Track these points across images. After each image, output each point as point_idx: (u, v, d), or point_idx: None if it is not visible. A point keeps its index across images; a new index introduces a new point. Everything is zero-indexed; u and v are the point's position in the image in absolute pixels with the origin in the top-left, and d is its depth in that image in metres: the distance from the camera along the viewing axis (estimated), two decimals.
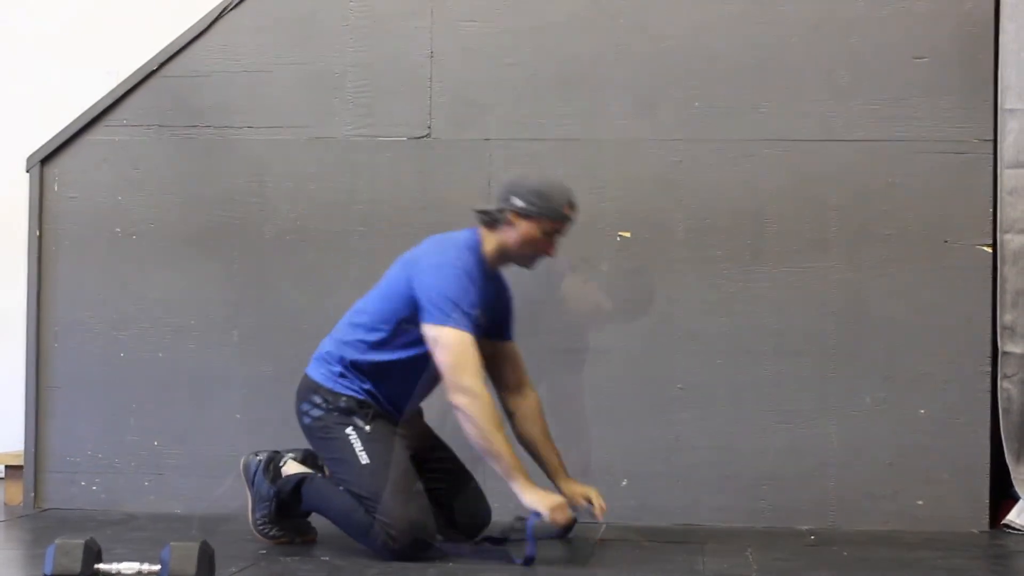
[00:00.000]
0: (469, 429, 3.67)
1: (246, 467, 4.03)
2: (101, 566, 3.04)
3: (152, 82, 4.63)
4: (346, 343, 3.89)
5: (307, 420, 3.90)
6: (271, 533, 3.96)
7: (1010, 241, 4.40)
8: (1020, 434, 4.42)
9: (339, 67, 4.59)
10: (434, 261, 3.79)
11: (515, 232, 3.83)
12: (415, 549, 3.68)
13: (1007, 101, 4.39)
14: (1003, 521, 4.38)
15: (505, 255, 3.89)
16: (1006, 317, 4.40)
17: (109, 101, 4.63)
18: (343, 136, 4.59)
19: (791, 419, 4.44)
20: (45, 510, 4.57)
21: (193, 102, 4.62)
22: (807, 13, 4.47)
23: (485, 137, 4.55)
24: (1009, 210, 4.39)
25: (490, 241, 3.87)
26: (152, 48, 4.64)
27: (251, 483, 3.99)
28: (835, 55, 4.46)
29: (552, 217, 3.83)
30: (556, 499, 3.76)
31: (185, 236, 4.59)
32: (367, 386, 3.87)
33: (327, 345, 3.94)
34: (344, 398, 3.85)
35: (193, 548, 3.01)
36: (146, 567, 3.04)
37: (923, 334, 4.41)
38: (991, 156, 4.40)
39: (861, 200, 4.45)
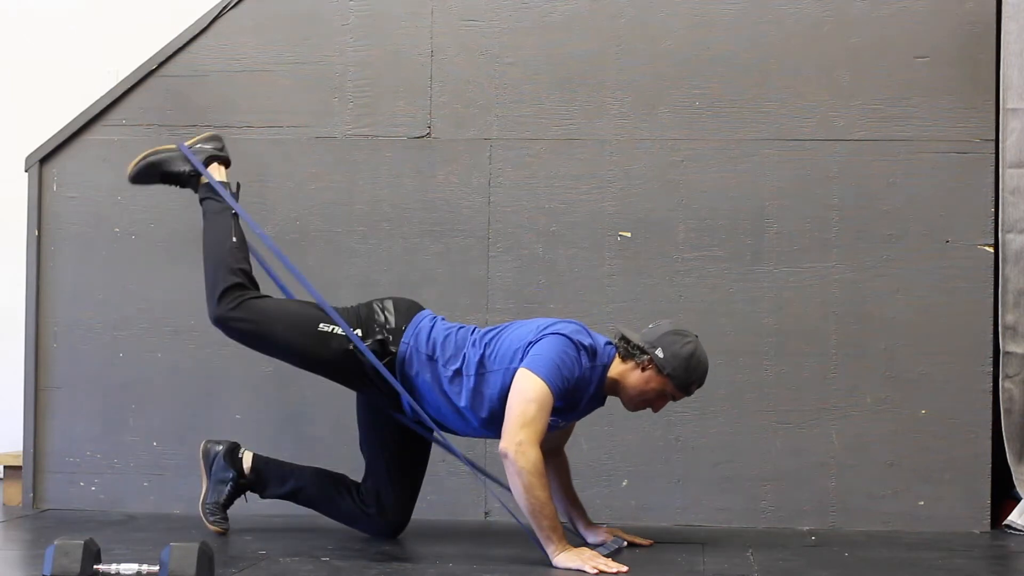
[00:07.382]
0: (516, 481, 3.61)
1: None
2: (100, 567, 3.03)
3: (152, 81, 4.62)
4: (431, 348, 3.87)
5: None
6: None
7: (1012, 241, 4.39)
8: (1021, 434, 4.42)
9: (339, 67, 4.59)
10: (559, 341, 3.72)
11: (641, 378, 3.78)
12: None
13: (1009, 100, 4.39)
14: (1004, 522, 4.38)
15: (617, 388, 3.83)
16: (1007, 317, 4.39)
17: (109, 100, 4.62)
18: (343, 136, 4.59)
19: (791, 419, 4.43)
20: (44, 510, 4.57)
21: (193, 102, 4.61)
22: (807, 13, 4.46)
23: (485, 137, 4.54)
24: (1011, 210, 4.39)
25: (616, 368, 3.80)
26: (152, 47, 4.64)
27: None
28: (835, 55, 4.46)
29: (680, 388, 3.78)
30: (587, 552, 3.67)
31: (185, 236, 4.58)
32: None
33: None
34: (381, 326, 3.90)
35: (193, 549, 3.01)
36: (145, 568, 3.03)
37: (924, 334, 4.41)
38: (992, 156, 4.40)
39: (862, 200, 4.44)
